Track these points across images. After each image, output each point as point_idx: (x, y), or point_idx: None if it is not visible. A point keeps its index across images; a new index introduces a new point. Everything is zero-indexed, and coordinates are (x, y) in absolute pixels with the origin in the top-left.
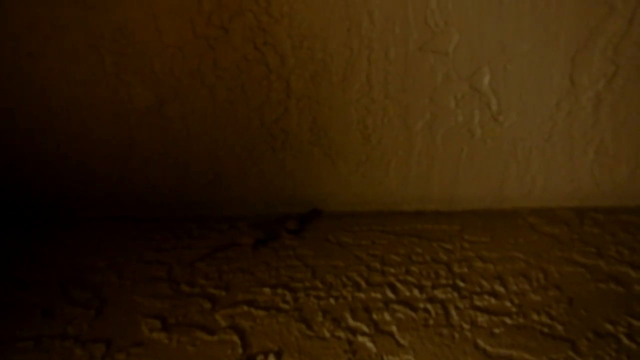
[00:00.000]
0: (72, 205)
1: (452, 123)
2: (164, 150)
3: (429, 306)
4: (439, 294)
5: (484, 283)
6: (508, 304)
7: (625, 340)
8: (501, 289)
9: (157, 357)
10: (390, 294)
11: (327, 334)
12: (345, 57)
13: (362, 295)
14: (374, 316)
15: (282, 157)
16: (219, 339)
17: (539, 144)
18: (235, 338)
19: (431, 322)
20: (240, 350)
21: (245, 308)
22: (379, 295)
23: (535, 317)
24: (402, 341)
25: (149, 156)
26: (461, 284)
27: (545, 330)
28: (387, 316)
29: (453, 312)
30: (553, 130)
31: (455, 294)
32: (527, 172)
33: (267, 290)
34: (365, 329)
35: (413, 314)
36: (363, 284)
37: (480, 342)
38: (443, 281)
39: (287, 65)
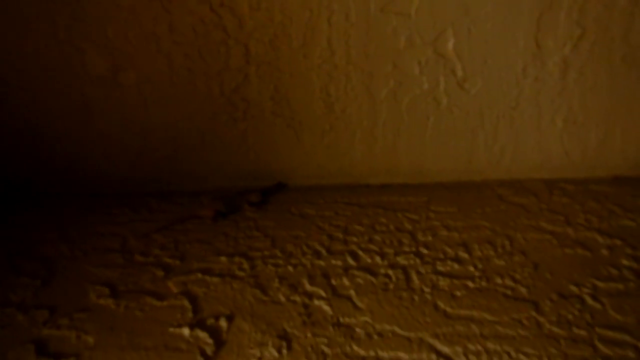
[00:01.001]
0: (26, 180)
1: (417, 91)
2: (121, 122)
3: (390, 272)
4: (401, 260)
5: (448, 250)
6: (471, 268)
7: (590, 301)
8: (465, 255)
9: (102, 322)
10: (351, 261)
11: (283, 299)
12: (304, 19)
13: (321, 263)
14: (333, 282)
15: (244, 128)
16: (169, 304)
17: (506, 113)
18: (186, 303)
19: (391, 286)
20: (190, 315)
21: (200, 275)
22: (339, 262)
23: (498, 280)
24: (359, 304)
25: (105, 128)
26: (424, 251)
27: (508, 292)
28: (345, 281)
29: (414, 277)
30: (520, 97)
31: (418, 261)
32: (495, 142)
33: (223, 259)
34: (322, 293)
35: (373, 279)
36: (323, 252)
37: (440, 304)
38: (406, 249)
39: (245, 29)
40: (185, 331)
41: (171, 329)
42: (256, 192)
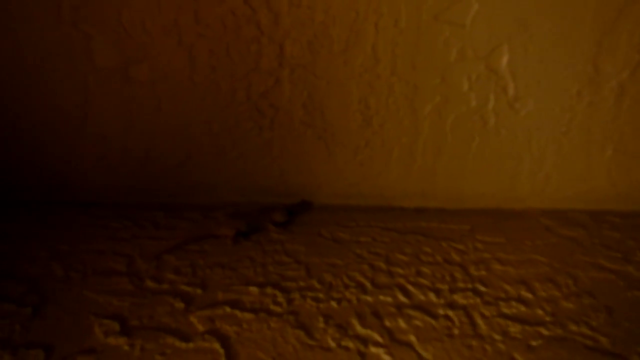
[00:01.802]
0: (11, 185)
1: (464, 108)
2: (127, 123)
3: (450, 313)
4: (459, 299)
5: (508, 288)
6: (540, 312)
7: None
8: (529, 295)
9: None
10: (402, 298)
11: (333, 344)
12: (349, 22)
13: (369, 299)
14: (387, 323)
15: (269, 138)
16: (196, 346)
17: (556, 138)
18: (217, 346)
19: (456, 331)
20: None
21: (228, 310)
22: (389, 299)
23: (573, 327)
24: (424, 354)
25: (108, 128)
26: (482, 289)
27: (589, 343)
28: (402, 323)
29: (479, 321)
30: (571, 122)
31: (478, 300)
32: (541, 169)
33: (253, 289)
34: (377, 338)
35: (432, 322)
36: (368, 285)
37: (518, 357)
38: (461, 285)
39: (281, 27)
40: None
41: None
42: (281, 210)
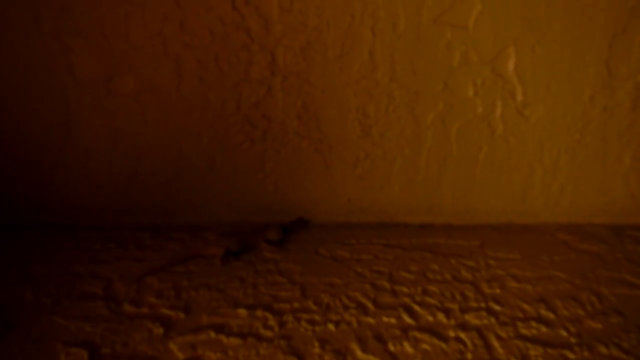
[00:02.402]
0: None
1: (469, 116)
2: (111, 138)
3: (461, 335)
4: (471, 319)
5: (526, 307)
6: (564, 333)
7: None
8: (550, 315)
9: None
10: (407, 319)
11: None
12: (344, 26)
13: (370, 320)
14: (391, 347)
15: (262, 151)
16: None
17: (569, 146)
18: None
19: (469, 356)
20: None
21: (213, 335)
22: (392, 320)
23: (603, 350)
24: None
25: (89, 144)
26: (497, 308)
27: None
28: (408, 347)
29: (495, 343)
30: (585, 129)
31: (493, 320)
32: (554, 180)
33: (242, 312)
34: None
35: (442, 345)
36: (370, 306)
37: None
38: (473, 304)
39: (272, 33)
40: None
41: None
42: (276, 228)
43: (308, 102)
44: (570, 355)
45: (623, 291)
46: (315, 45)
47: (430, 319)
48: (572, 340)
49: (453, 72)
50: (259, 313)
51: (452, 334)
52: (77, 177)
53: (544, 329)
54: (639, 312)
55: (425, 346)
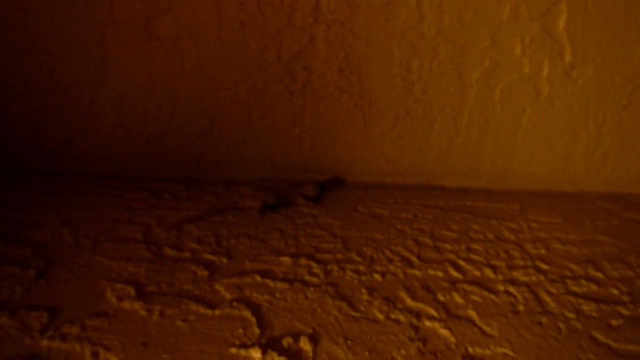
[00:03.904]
0: (24, 154)
1: (515, 75)
2: (147, 85)
3: (511, 289)
4: (520, 275)
5: (574, 267)
6: (615, 291)
7: None
8: (599, 275)
9: (128, 334)
10: (454, 273)
11: (380, 316)
12: None
13: (416, 273)
14: (440, 297)
15: (301, 105)
16: (223, 313)
17: (615, 112)
18: (248, 314)
19: (521, 308)
20: (256, 330)
21: (258, 278)
22: (439, 274)
23: None
24: (488, 330)
25: (124, 91)
26: (544, 266)
27: None
28: (458, 298)
29: (547, 298)
30: (633, 94)
31: (542, 277)
32: (597, 147)
33: (285, 259)
34: (432, 311)
35: (493, 297)
36: (415, 259)
37: (599, 336)
38: (520, 262)
39: None
40: (256, 354)
41: (233, 350)
42: (313, 184)
43: (351, 53)
44: (625, 311)
45: None
46: None
47: (478, 273)
48: (625, 298)
49: (501, 28)
50: (303, 261)
51: (501, 287)
52: (112, 125)
53: (594, 287)
54: None
55: (475, 297)
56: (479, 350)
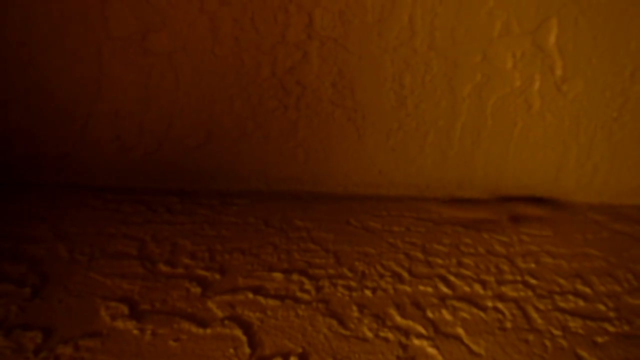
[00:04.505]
0: (17, 164)
1: (507, 89)
2: (143, 98)
3: (500, 305)
4: (508, 291)
5: (562, 281)
6: (602, 307)
7: None
8: (586, 289)
9: (123, 354)
10: (444, 288)
11: (370, 334)
12: None
13: (407, 288)
14: (429, 314)
15: (295, 119)
16: (214, 332)
17: (606, 124)
18: (239, 333)
19: (508, 325)
20: (247, 350)
21: (250, 295)
22: (429, 289)
23: None
24: (475, 348)
25: (120, 104)
26: (533, 281)
27: None
28: (447, 315)
29: (534, 314)
30: (624, 107)
31: (530, 292)
32: (588, 159)
33: (277, 275)
34: (420, 329)
35: (481, 314)
36: (406, 275)
37: (583, 354)
38: (509, 277)
39: None
40: None
41: None
42: None
43: (344, 69)
44: (610, 328)
45: None
46: (354, 8)
47: (467, 289)
48: (611, 314)
49: (493, 43)
50: (295, 277)
51: (490, 304)
52: (108, 138)
53: (581, 303)
54: None
55: (464, 314)
56: None
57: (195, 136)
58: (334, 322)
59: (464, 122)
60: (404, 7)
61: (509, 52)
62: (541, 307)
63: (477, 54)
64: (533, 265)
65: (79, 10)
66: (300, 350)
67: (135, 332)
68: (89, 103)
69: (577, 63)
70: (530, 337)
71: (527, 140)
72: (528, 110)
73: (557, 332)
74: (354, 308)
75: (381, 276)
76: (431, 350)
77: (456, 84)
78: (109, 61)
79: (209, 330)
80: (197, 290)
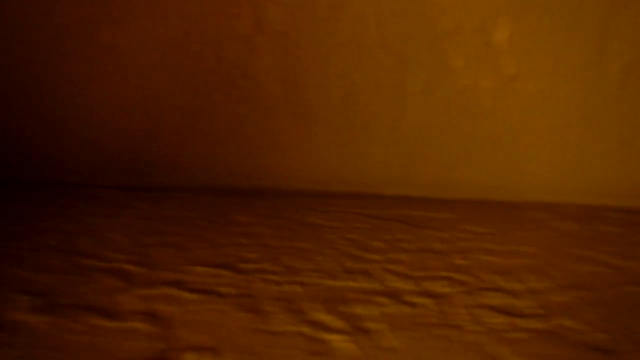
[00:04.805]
0: None
1: (456, 87)
2: (85, 89)
3: (425, 301)
4: (436, 287)
5: (493, 278)
6: (526, 304)
7: None
8: (514, 286)
9: (29, 348)
10: (372, 284)
11: (286, 329)
12: None
13: (335, 284)
14: (352, 309)
15: (243, 114)
16: (128, 327)
17: (553, 123)
18: (152, 327)
19: (433, 320)
20: (160, 345)
21: (172, 290)
22: (357, 285)
23: (565, 322)
24: (394, 343)
25: (64, 95)
26: (463, 278)
27: (580, 338)
28: (369, 310)
29: (459, 310)
30: (570, 106)
31: (458, 289)
32: (534, 157)
33: (205, 270)
34: (339, 324)
35: (406, 309)
36: (338, 270)
37: (503, 350)
38: (442, 273)
39: None
40: None
41: None
42: None
43: (293, 64)
44: (530, 324)
45: (592, 268)
46: (304, 4)
47: (397, 285)
48: (538, 311)
49: (443, 40)
50: (224, 272)
51: (417, 300)
52: (47, 130)
53: (507, 300)
54: (605, 288)
55: (388, 310)
56: None
57: (138, 130)
58: (255, 317)
59: (413, 120)
60: (354, 4)
61: (460, 50)
62: (468, 303)
63: (426, 50)
64: (467, 262)
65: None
66: (215, 344)
67: (44, 326)
68: (30, 93)
69: (527, 62)
70: (451, 332)
71: (474, 138)
72: (477, 108)
73: (478, 328)
74: (279, 303)
75: (314, 271)
76: (347, 345)
77: (405, 81)
78: (53, 49)
79: (122, 324)
80: (118, 284)
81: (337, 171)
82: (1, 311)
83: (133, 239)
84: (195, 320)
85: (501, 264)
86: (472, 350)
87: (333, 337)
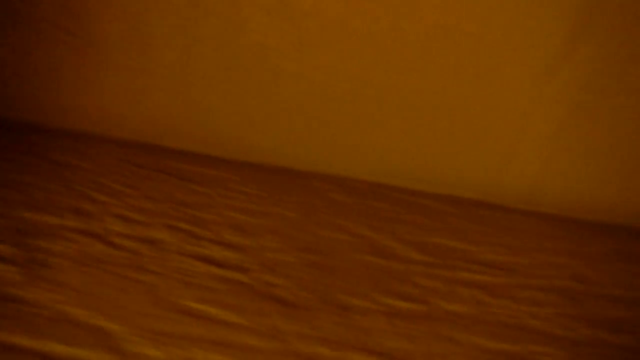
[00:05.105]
0: None
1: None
2: None
3: (132, 244)
4: (155, 234)
5: (224, 232)
6: (241, 258)
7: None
8: (241, 242)
9: None
10: (79, 223)
11: None
12: None
13: (33, 217)
14: (38, 243)
15: (13, 41)
16: None
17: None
18: None
19: (124, 262)
20: None
21: None
22: (59, 222)
23: (267, 278)
24: (65, 278)
25: None
26: (192, 229)
27: (271, 292)
28: (57, 245)
29: (166, 256)
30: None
31: (177, 238)
32: (319, 127)
33: None
34: (17, 256)
35: (104, 250)
36: (50, 206)
37: (180, 294)
38: (172, 222)
39: None
40: None
41: None
42: None
43: None
44: (235, 276)
45: (338, 235)
46: None
47: (112, 227)
48: (247, 266)
49: None
50: None
51: (124, 242)
52: None
53: (225, 253)
54: (337, 254)
55: (83, 248)
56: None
57: None
58: None
59: (203, 70)
60: None
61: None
62: (181, 251)
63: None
64: (208, 216)
65: None
66: None
67: None
68: None
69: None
70: (140, 275)
71: (275, 102)
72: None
73: (169, 273)
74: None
75: (22, 204)
76: (11, 276)
77: (198, 24)
78: None
79: None
80: None
81: (117, 115)
82: None
83: None
84: None
85: (244, 221)
86: (149, 293)
87: (1, 267)
